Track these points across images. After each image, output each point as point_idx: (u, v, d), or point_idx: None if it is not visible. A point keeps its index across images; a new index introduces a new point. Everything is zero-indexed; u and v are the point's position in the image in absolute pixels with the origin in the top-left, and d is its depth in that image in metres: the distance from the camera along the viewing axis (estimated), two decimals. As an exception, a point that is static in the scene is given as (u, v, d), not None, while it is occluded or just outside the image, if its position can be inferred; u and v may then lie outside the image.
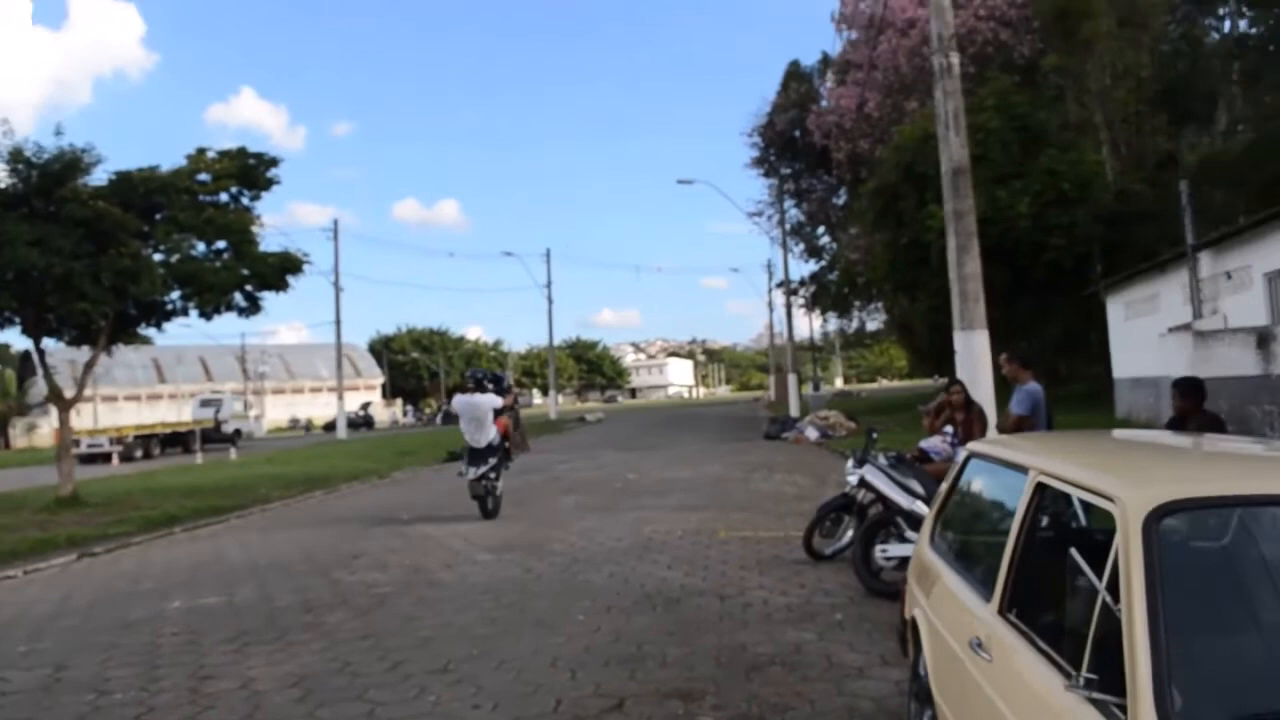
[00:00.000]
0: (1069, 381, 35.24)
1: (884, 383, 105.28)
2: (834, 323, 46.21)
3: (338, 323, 47.86)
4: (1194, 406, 6.41)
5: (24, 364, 53.35)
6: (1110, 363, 23.09)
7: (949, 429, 8.56)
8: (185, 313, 17.21)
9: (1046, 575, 2.85)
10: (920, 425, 10.68)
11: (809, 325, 51.22)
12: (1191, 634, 2.18)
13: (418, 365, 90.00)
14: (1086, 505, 2.91)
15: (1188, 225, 16.26)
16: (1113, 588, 2.28)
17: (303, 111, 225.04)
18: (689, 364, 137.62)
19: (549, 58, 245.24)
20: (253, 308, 17.49)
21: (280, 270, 17.24)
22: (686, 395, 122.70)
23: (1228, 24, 29.35)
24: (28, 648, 7.14)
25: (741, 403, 69.52)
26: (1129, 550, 2.25)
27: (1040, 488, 3.01)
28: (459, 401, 13.61)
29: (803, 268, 43.83)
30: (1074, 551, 2.39)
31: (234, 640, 6.98)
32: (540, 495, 15.43)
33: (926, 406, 9.48)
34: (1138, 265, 20.39)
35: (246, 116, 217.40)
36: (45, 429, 50.17)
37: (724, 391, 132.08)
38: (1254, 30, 26.54)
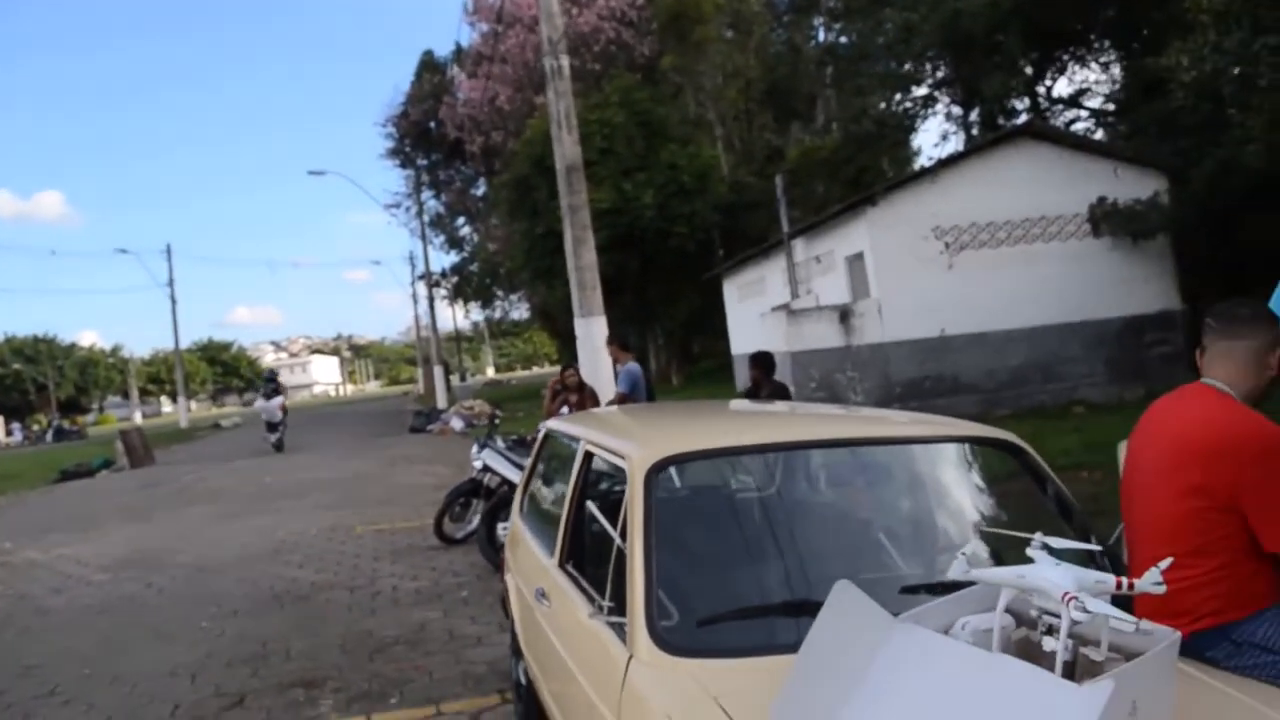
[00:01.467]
0: (701, 358, 38.22)
1: (535, 370, 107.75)
2: (478, 313, 46.71)
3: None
4: (764, 376, 7.46)
5: None
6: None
7: (565, 410, 9.23)
8: None
9: (592, 530, 3.37)
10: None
11: (453, 316, 51.48)
12: (678, 561, 2.74)
13: (21, 378, 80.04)
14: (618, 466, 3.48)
15: (783, 215, 18.28)
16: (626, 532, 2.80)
17: None
18: (335, 361, 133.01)
19: (168, 47, 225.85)
20: None
21: None
22: (334, 393, 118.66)
23: (822, 33, 32.89)
24: None
25: (391, 398, 68.44)
26: (633, 499, 2.78)
27: (588, 455, 3.53)
28: (261, 404, 24.23)
29: (445, 259, 43.87)
30: (590, 504, 2.91)
31: None
32: (165, 508, 14.56)
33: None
34: (748, 251, 22.57)
35: None
36: None
37: (374, 387, 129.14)
38: (842, 40, 30.11)
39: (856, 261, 15.96)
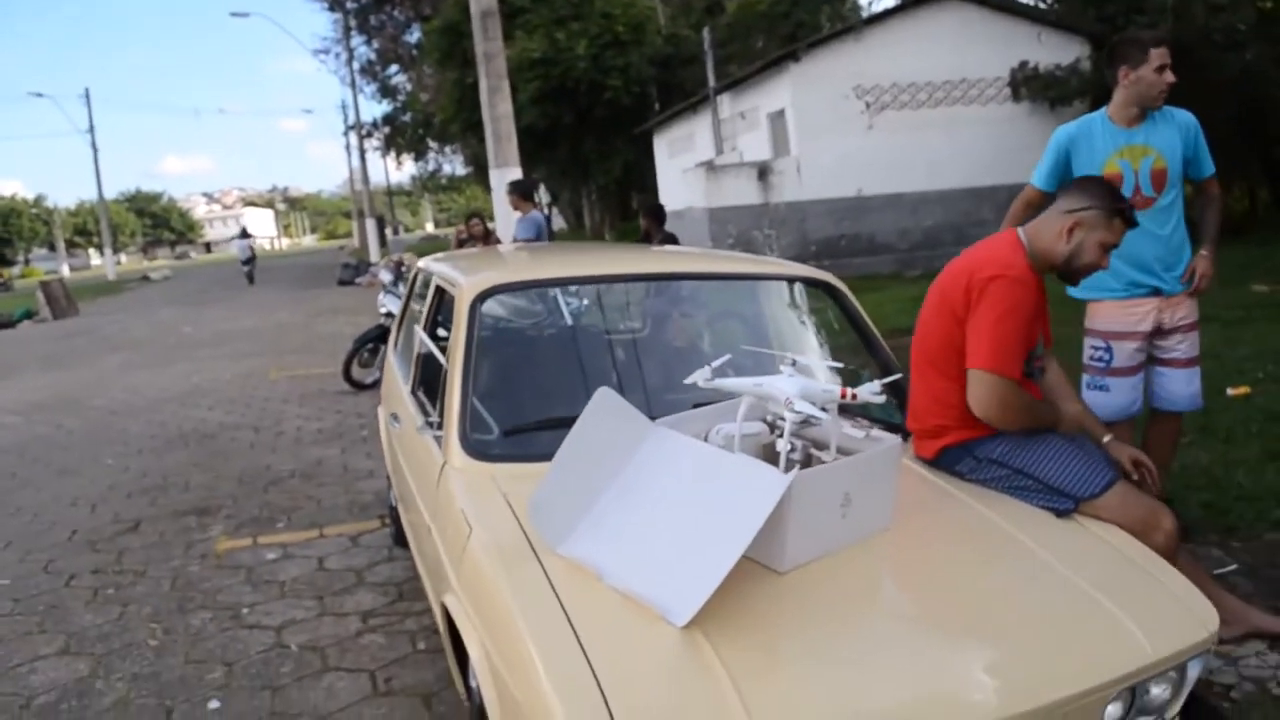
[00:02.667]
0: (639, 215, 38.08)
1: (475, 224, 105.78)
2: (411, 166, 45.70)
3: None
4: (655, 225, 7.66)
5: None
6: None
7: (473, 259, 9.37)
8: None
9: (433, 357, 3.61)
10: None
11: (385, 169, 50.33)
12: (491, 380, 3.00)
13: (-61, 228, 77.29)
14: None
15: (710, 70, 18.10)
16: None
17: None
18: (269, 214, 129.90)
19: None
20: None
21: None
22: (268, 247, 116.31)
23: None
24: None
25: (327, 252, 67.44)
26: (458, 324, 3.02)
27: (438, 289, 3.74)
28: (237, 244, 32.40)
29: (377, 109, 42.61)
30: (418, 329, 3.14)
31: None
32: (85, 356, 14.56)
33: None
34: (678, 106, 22.36)
35: None
36: None
37: (310, 241, 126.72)
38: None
39: (778, 119, 15.99)
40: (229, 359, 12.66)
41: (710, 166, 15.84)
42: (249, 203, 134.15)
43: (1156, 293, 3.74)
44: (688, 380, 2.34)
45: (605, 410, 2.28)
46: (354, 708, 3.19)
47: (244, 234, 33.99)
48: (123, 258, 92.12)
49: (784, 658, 1.87)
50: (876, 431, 2.38)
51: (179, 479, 6.43)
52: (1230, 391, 5.91)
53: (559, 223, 39.98)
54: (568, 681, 1.73)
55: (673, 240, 7.45)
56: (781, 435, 2.32)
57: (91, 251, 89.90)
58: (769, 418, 2.38)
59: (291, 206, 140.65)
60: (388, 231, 44.36)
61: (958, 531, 2.40)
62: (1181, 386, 3.85)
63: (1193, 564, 2.94)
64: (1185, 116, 3.78)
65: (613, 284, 3.47)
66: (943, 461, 2.70)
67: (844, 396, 2.24)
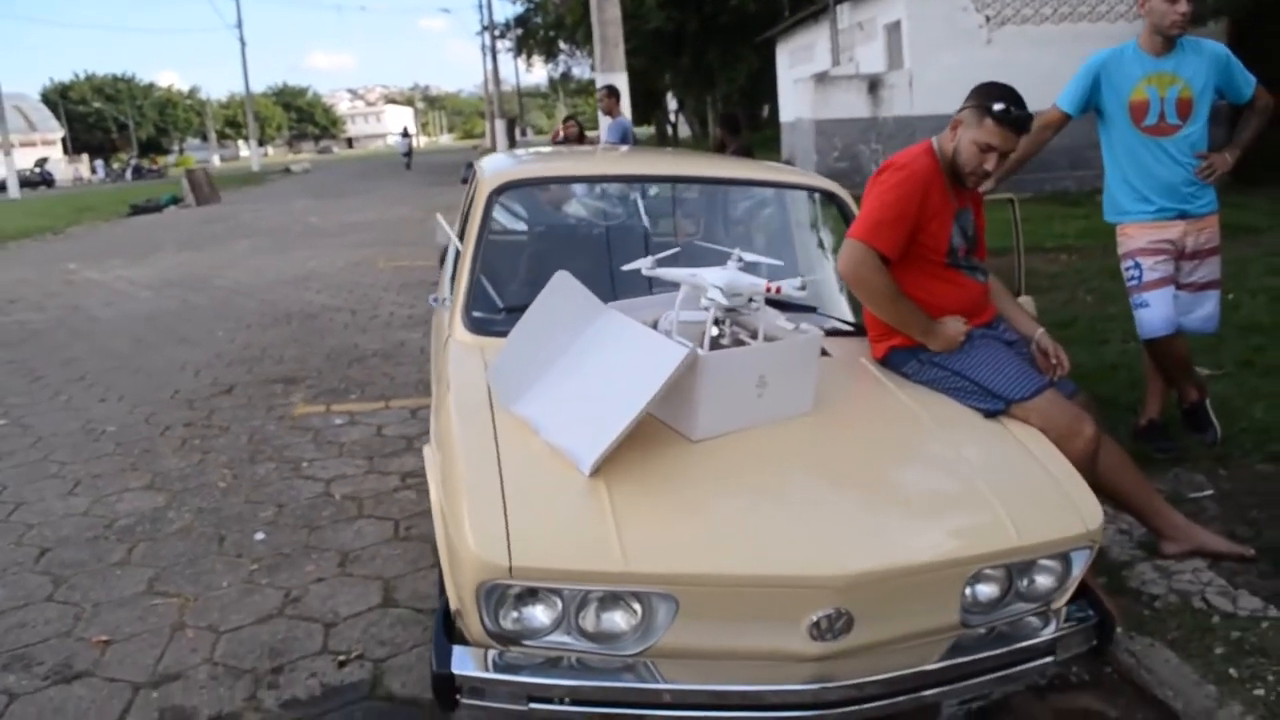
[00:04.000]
0: (768, 125, 37.51)
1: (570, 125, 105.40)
2: (542, 68, 45.97)
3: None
4: (729, 136, 7.82)
5: None
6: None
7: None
8: None
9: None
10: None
11: (515, 70, 50.68)
12: (498, 264, 3.34)
13: (103, 117, 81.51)
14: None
15: (831, -23, 17.71)
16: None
17: None
18: (409, 111, 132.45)
19: None
20: None
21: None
22: (398, 144, 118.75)
23: None
24: None
25: (461, 150, 68.83)
26: (475, 213, 3.36)
27: (478, 184, 4.07)
28: (398, 141, 41.08)
29: (511, 9, 42.66)
30: (439, 216, 3.49)
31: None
32: (218, 240, 15.61)
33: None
34: (799, 14, 21.93)
35: None
36: None
37: (447, 140, 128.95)
38: None
39: (894, 30, 15.60)
40: (346, 248, 13.41)
41: (820, 78, 15.63)
42: (390, 100, 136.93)
43: (1183, 216, 3.83)
44: (627, 267, 2.63)
45: (563, 291, 2.59)
46: (374, 547, 3.67)
47: (405, 133, 43.36)
48: (269, 150, 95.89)
49: (667, 506, 2.18)
50: (806, 325, 2.63)
51: (276, 352, 7.07)
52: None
53: (684, 130, 39.84)
54: (482, 506, 2.09)
55: (746, 152, 7.60)
56: (725, 322, 2.61)
57: (240, 143, 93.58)
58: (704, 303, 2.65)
59: (431, 105, 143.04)
60: (517, 132, 44.97)
61: (874, 419, 2.65)
62: (1193, 308, 3.96)
63: (1138, 479, 3.11)
64: (1215, 47, 3.82)
65: (624, 184, 3.75)
66: (891, 362, 2.92)
67: (768, 290, 2.49)
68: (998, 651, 2.22)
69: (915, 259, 2.83)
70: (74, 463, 4.84)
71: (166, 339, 7.82)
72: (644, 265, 2.62)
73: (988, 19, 14.75)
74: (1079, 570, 2.30)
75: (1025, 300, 3.68)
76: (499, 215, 3.38)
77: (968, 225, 2.91)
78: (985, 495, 2.26)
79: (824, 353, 2.85)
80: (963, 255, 2.90)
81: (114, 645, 3.05)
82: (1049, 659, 2.29)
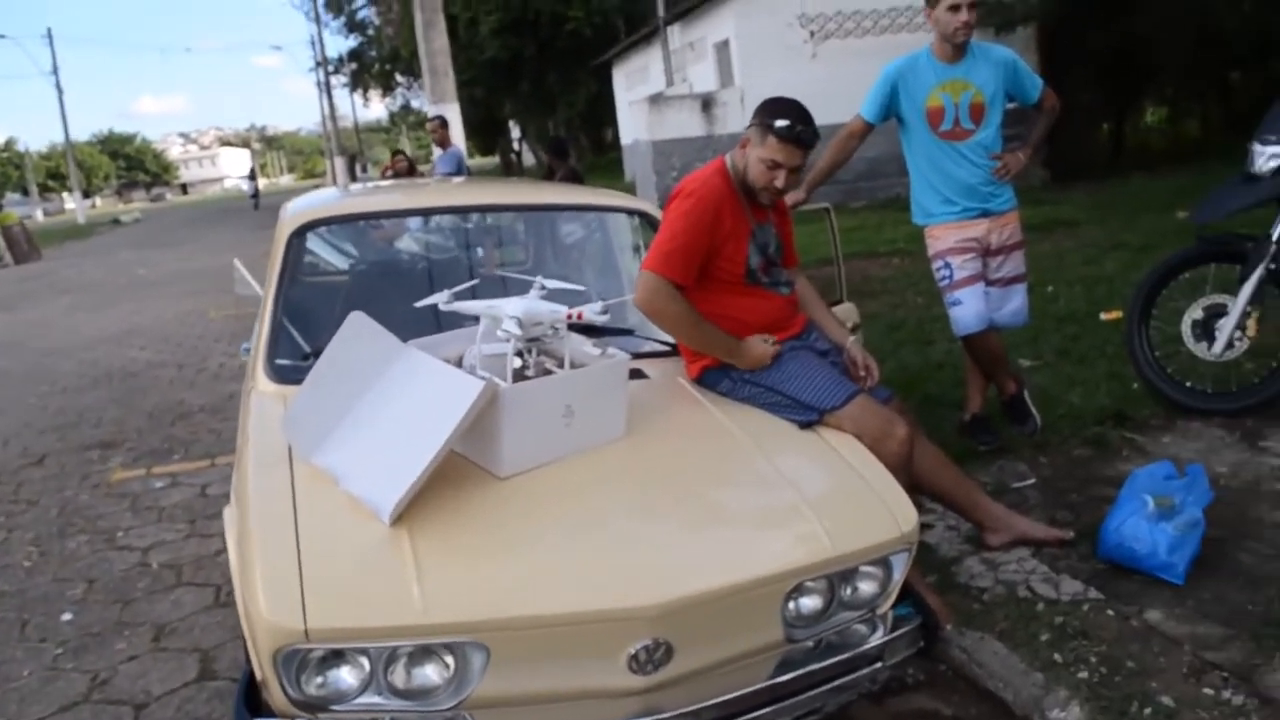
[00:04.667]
0: (612, 149, 37.71)
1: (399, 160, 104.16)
2: (379, 103, 45.23)
3: None
4: (557, 161, 7.80)
5: None
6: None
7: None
8: None
9: None
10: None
11: (352, 106, 49.74)
12: (300, 308, 3.19)
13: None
14: None
15: (660, -1, 17.99)
16: None
17: None
18: (246, 153, 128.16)
19: None
20: None
21: None
22: (244, 187, 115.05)
23: None
24: None
25: (302, 191, 67.01)
26: (275, 255, 3.20)
27: None
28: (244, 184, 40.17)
29: (345, 44, 41.77)
30: (236, 262, 3.32)
31: None
32: (32, 300, 14.66)
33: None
34: (633, 37, 22.22)
35: None
36: None
37: (287, 180, 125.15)
38: None
39: (723, 49, 15.95)
40: (175, 298, 12.79)
41: (654, 99, 15.81)
42: (225, 142, 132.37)
43: (985, 214, 3.97)
44: (420, 304, 2.53)
45: (358, 333, 2.48)
46: (192, 617, 3.44)
47: (252, 175, 47.21)
48: (97, 201, 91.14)
49: (472, 549, 2.08)
50: (612, 350, 2.58)
51: (94, 415, 6.63)
52: (1103, 316, 6.12)
53: (529, 159, 39.78)
54: (274, 567, 1.95)
55: (576, 176, 7.59)
56: (530, 353, 2.54)
57: (65, 195, 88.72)
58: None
59: (269, 145, 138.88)
60: (358, 169, 44.04)
61: (688, 439, 2.61)
62: (1002, 303, 4.10)
63: (956, 475, 3.16)
64: (1002, 53, 3.99)
65: (431, 216, 3.65)
66: (705, 381, 2.89)
67: (570, 318, 2.43)
68: (827, 663, 2.22)
69: (713, 281, 2.81)
70: None
71: (-29, 410, 7.26)
72: (440, 300, 2.53)
73: (812, 34, 15.23)
74: (900, 573, 2.30)
75: (846, 308, 3.75)
76: (303, 256, 3.23)
77: (768, 241, 2.91)
78: (800, 507, 2.25)
79: (641, 375, 2.82)
80: (764, 271, 2.88)
81: (-110, 758, 2.76)
82: (878, 665, 2.30)
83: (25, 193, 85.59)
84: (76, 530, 4.42)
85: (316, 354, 2.99)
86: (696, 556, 2.09)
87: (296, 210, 3.45)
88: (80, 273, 18.70)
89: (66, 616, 3.54)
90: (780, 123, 2.69)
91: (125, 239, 30.20)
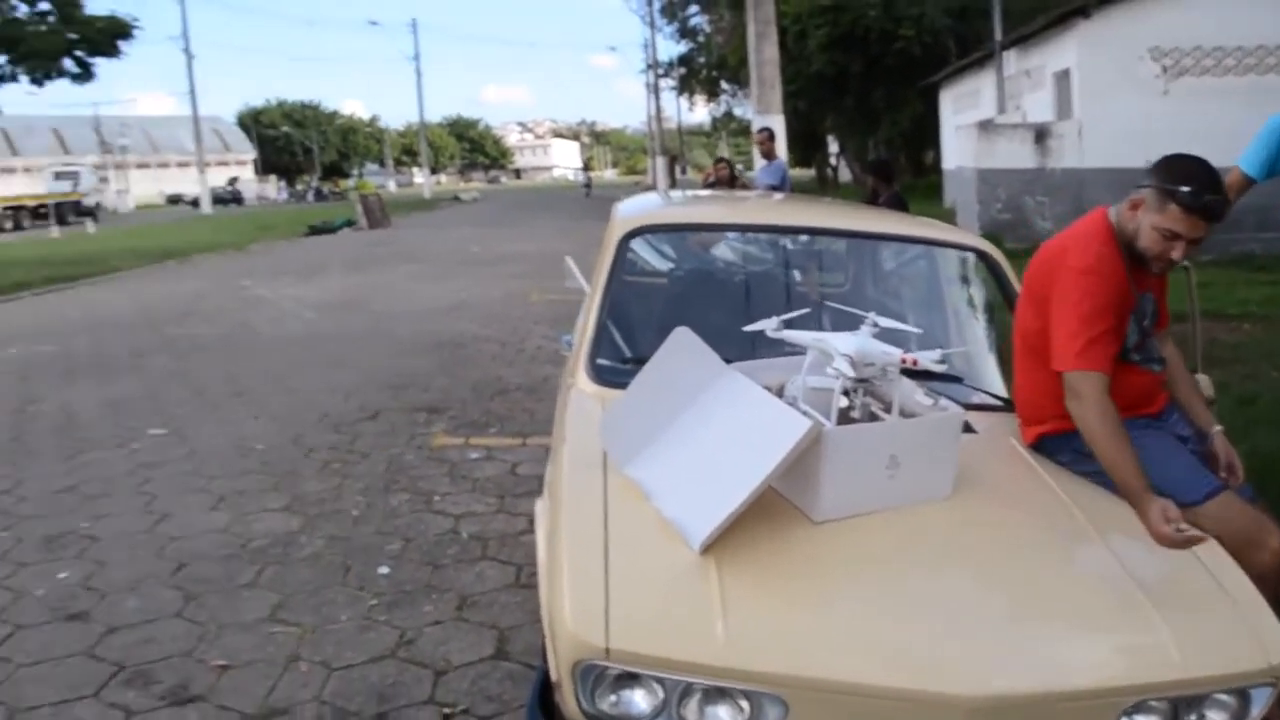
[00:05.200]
0: (928, 173, 36.59)
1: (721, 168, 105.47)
2: (704, 108, 46.42)
3: (192, 94, 45.65)
4: (882, 184, 7.59)
5: None
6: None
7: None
8: (14, 78, 17.00)
9: None
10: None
11: (677, 109, 51.36)
12: (626, 311, 3.26)
13: (291, 140, 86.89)
14: None
15: (997, 22, 17.16)
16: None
17: None
18: (575, 146, 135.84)
19: None
20: (85, 74, 17.38)
21: (110, 35, 17.04)
22: (570, 177, 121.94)
23: None
24: None
25: (623, 186, 70.16)
26: (605, 256, 3.31)
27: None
28: (578, 174, 47.06)
29: (675, 49, 43.06)
30: (569, 259, 3.46)
31: (62, 377, 7.84)
32: (380, 264, 16.24)
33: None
34: (963, 60, 21.37)
35: None
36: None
37: (610, 175, 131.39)
38: None
39: (1063, 79, 14.98)
40: (501, 278, 13.72)
41: (984, 125, 15.14)
42: (558, 134, 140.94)
43: None
44: (750, 328, 2.50)
45: (683, 348, 2.49)
46: (494, 593, 3.63)
47: (586, 167, 48.79)
48: (441, 178, 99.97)
49: (781, 594, 2.00)
50: (946, 402, 2.43)
51: (422, 380, 7.22)
52: None
53: (844, 174, 39.39)
54: (582, 580, 1.98)
55: (899, 201, 7.35)
56: (856, 394, 2.45)
57: (415, 170, 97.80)
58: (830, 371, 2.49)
59: (596, 140, 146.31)
60: (678, 170, 45.43)
61: (1018, 510, 2.40)
62: None
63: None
64: None
65: (762, 234, 3.63)
66: (1043, 449, 2.63)
67: (904, 362, 2.31)
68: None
69: None
70: (221, 478, 5.03)
71: (318, 360, 8.12)
72: (769, 326, 2.48)
73: (1164, 69, 13.99)
74: (1259, 711, 1.96)
75: (1201, 379, 3.37)
76: (631, 259, 3.32)
77: (1147, 311, 2.61)
78: (1148, 613, 1.98)
79: (968, 428, 2.64)
80: (1138, 348, 2.59)
81: (230, 671, 3.10)
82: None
83: (382, 165, 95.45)
84: (399, 488, 4.80)
85: (635, 360, 3.05)
86: (1026, 651, 1.91)
87: (628, 213, 3.54)
88: (423, 244, 20.53)
89: (383, 570, 3.84)
90: (1185, 189, 2.37)
91: (463, 216, 32.86)
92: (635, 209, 3.81)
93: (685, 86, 42.38)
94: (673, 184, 38.36)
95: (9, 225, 34.39)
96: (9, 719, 2.90)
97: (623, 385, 2.87)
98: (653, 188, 38.25)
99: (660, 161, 38.45)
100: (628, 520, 2.18)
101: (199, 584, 3.76)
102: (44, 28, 16.72)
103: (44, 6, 16.80)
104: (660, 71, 40.50)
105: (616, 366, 3.02)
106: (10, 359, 8.76)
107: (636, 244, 3.38)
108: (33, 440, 5.97)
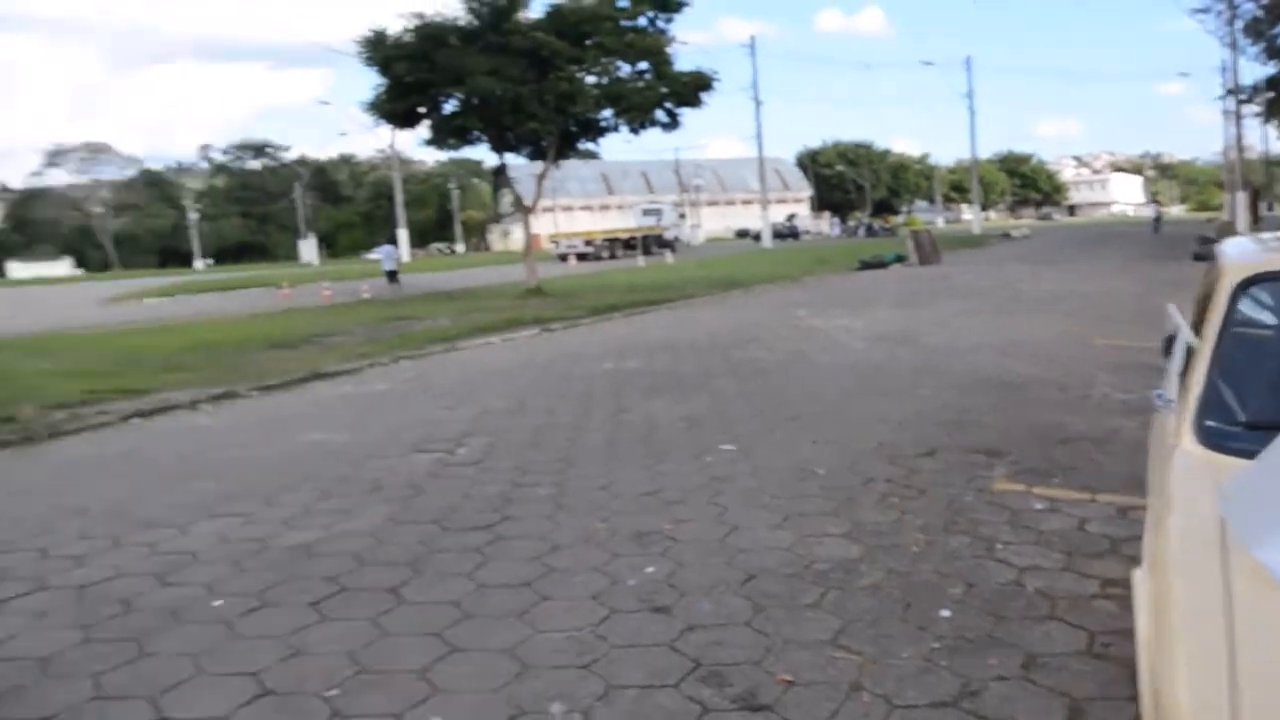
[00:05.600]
0: None
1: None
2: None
3: (759, 137, 49.51)
4: None
5: (496, 177, 61.46)
6: None
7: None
8: (616, 129, 19.80)
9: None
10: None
11: (1264, 137, 44.49)
12: (1240, 367, 2.81)
13: (844, 178, 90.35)
14: None
15: None
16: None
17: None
18: (1138, 180, 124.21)
19: None
20: (673, 123, 19.72)
21: (694, 88, 19.12)
22: (1130, 213, 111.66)
23: None
24: (504, 386, 9.57)
25: (1192, 222, 62.69)
26: (1216, 305, 2.90)
27: (1213, 268, 3.52)
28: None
29: (1260, 70, 37.01)
30: (1171, 307, 3.07)
31: (646, 391, 8.85)
32: (929, 299, 16.13)
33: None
34: None
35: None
36: (517, 234, 59.24)
37: (1178, 210, 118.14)
38: None
39: None
40: (1056, 318, 12.90)
41: None
42: (1117, 168, 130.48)
43: None
44: None
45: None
46: (1063, 657, 3.32)
47: (1155, 201, 47.07)
48: (991, 214, 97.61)
49: None
50: None
51: (977, 419, 6.96)
52: None
53: None
54: (1201, 667, 1.72)
55: None
56: None
57: (963, 206, 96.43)
58: None
59: (1161, 173, 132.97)
60: (1262, 207, 39.55)
61: None
62: None
63: None
64: None
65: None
66: None
67: None
68: None
69: None
70: (783, 498, 5.25)
71: (870, 390, 8.22)
72: None
73: None
74: None
75: None
76: (1247, 311, 2.89)
77: None
78: None
79: None
80: None
81: (795, 688, 3.18)
82: None
83: (931, 201, 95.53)
84: (959, 530, 4.64)
85: (1253, 424, 2.64)
86: None
87: (1240, 258, 3.07)
88: (971, 280, 20.07)
89: (945, 612, 3.71)
90: None
91: (1012, 252, 31.65)
92: (1246, 253, 3.32)
93: (1273, 112, 36.68)
94: (1255, 221, 33.45)
95: (606, 255, 41.49)
96: (604, 692, 3.25)
97: (1235, 450, 2.51)
98: (1230, 225, 33.53)
99: (1241, 196, 33.74)
100: (1259, 612, 1.85)
101: (766, 597, 3.93)
102: (641, 84, 19.14)
103: (642, 66, 19.20)
104: (1242, 96, 35.51)
105: (1230, 430, 2.63)
106: (607, 373, 10.09)
107: (1255, 293, 2.93)
108: (622, 447, 6.76)
